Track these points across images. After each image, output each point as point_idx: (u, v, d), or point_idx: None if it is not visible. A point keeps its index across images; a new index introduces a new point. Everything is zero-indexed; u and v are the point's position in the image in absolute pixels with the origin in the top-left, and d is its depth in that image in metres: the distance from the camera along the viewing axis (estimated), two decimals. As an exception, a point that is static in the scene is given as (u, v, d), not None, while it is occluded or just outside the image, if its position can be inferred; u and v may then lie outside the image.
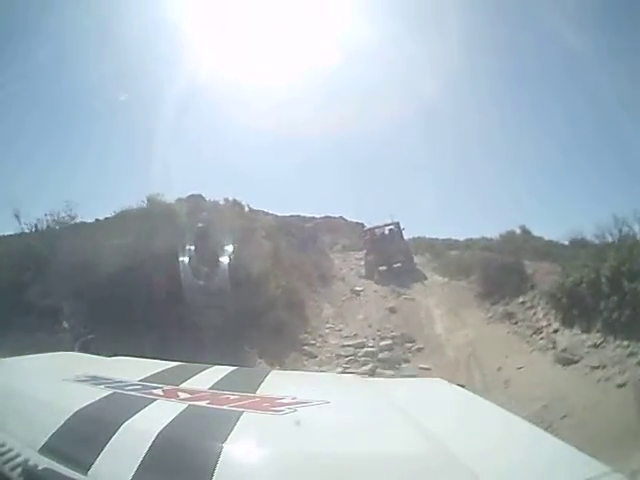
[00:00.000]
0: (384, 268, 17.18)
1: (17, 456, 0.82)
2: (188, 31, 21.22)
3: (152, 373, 1.33)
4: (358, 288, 16.00)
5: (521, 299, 9.62)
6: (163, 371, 1.42)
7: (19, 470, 0.79)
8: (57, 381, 1.23)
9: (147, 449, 0.81)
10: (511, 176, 32.75)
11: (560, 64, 22.12)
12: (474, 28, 19.61)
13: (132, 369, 1.53)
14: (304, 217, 26.76)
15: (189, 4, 19.38)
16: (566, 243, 14.85)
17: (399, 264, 17.24)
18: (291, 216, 23.75)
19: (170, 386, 1.20)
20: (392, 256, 17.24)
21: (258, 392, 1.22)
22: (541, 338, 7.31)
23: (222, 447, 0.81)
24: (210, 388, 1.23)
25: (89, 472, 0.79)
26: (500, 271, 11.07)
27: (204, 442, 0.85)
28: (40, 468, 0.79)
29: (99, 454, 0.82)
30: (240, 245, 7.77)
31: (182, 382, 1.27)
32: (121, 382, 1.19)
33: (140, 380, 1.23)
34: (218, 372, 1.46)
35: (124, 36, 16.50)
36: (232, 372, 1.53)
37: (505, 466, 0.84)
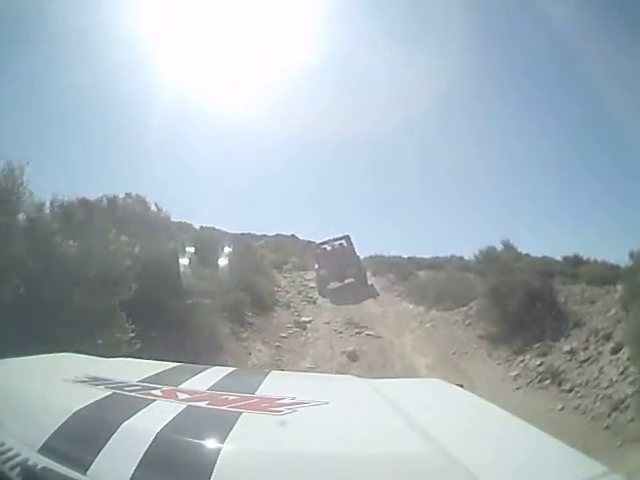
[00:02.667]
0: (337, 285, 16.27)
1: (16, 455, 0.84)
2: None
3: (151, 374, 1.33)
4: (305, 318, 12.01)
5: (566, 345, 5.82)
6: (162, 372, 1.42)
7: (18, 470, 0.80)
8: (56, 381, 1.22)
9: (146, 449, 0.82)
10: (483, 190, 34.01)
11: (549, 70, 22.14)
12: (470, 27, 19.59)
13: (131, 370, 1.54)
14: (255, 235, 25.76)
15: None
16: (558, 259, 12.43)
17: (352, 279, 16.24)
18: (242, 234, 21.58)
19: (169, 387, 1.20)
20: (344, 270, 16.08)
21: (257, 393, 1.23)
22: (631, 420, 3.86)
23: (221, 447, 0.82)
24: (209, 389, 1.23)
25: (88, 472, 0.80)
26: (519, 299, 6.97)
27: (203, 442, 0.85)
28: (39, 467, 0.80)
29: (98, 454, 0.82)
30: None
31: (181, 383, 1.26)
32: (120, 382, 1.19)
33: (139, 381, 1.23)
34: (217, 373, 1.48)
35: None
36: (231, 373, 1.54)
37: (504, 466, 0.85)
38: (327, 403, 1.13)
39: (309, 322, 11.10)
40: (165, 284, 6.26)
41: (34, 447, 0.85)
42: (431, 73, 21.18)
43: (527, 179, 28.98)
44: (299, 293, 15.99)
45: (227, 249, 12.00)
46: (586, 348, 5.46)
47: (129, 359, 2.01)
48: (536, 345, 6.06)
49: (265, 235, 25.87)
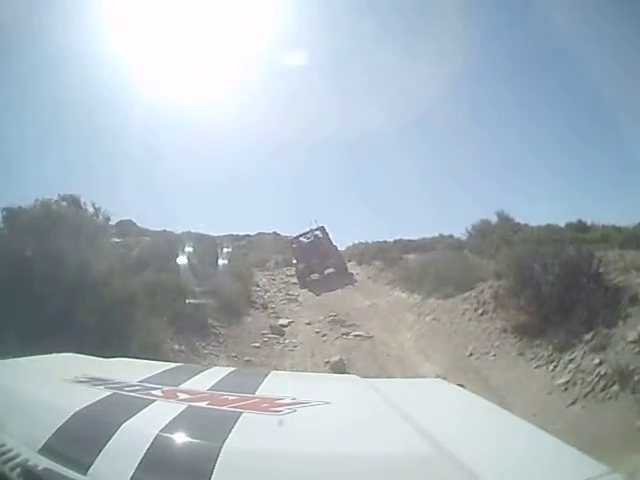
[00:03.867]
0: (316, 277, 15.87)
1: (17, 456, 0.86)
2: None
3: (151, 374, 1.34)
4: (283, 321, 10.12)
5: (630, 331, 4.18)
6: (162, 372, 1.44)
7: (19, 470, 0.82)
8: (57, 382, 1.25)
9: (146, 449, 0.83)
10: (464, 163, 30.80)
11: (543, 54, 21.29)
12: (467, 25, 17.91)
13: (131, 370, 1.58)
14: (237, 235, 24.52)
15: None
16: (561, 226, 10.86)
17: (332, 269, 16.09)
18: (224, 235, 19.40)
19: (169, 387, 1.21)
20: (323, 261, 15.86)
21: (257, 393, 1.25)
22: None
23: (221, 447, 0.83)
24: (209, 389, 1.25)
25: (88, 472, 0.81)
26: (556, 275, 5.12)
27: (203, 443, 0.88)
28: (40, 468, 0.82)
29: (98, 454, 0.84)
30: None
31: (181, 383, 1.27)
32: (120, 383, 1.22)
33: (139, 381, 1.25)
34: (217, 373, 1.50)
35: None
36: (231, 373, 1.57)
37: (505, 466, 0.86)
38: (327, 403, 1.16)
39: (288, 325, 9.87)
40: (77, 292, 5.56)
41: (34, 448, 0.88)
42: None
43: (509, 146, 28.44)
44: (279, 291, 14.99)
45: (188, 248, 10.07)
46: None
47: (129, 359, 2.02)
48: (587, 336, 4.46)
49: (248, 235, 26.47)
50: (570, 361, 4.55)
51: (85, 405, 1.00)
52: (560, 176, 25.39)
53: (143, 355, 5.80)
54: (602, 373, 4.16)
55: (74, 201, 9.07)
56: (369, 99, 23.07)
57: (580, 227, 10.93)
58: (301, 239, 17.22)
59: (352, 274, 15.47)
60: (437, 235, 17.36)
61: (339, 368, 6.39)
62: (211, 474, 0.74)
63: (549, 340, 4.93)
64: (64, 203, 8.49)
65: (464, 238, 13.29)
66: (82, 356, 1.89)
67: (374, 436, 0.96)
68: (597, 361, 4.33)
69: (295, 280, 15.64)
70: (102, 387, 1.17)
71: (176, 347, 6.92)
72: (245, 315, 10.25)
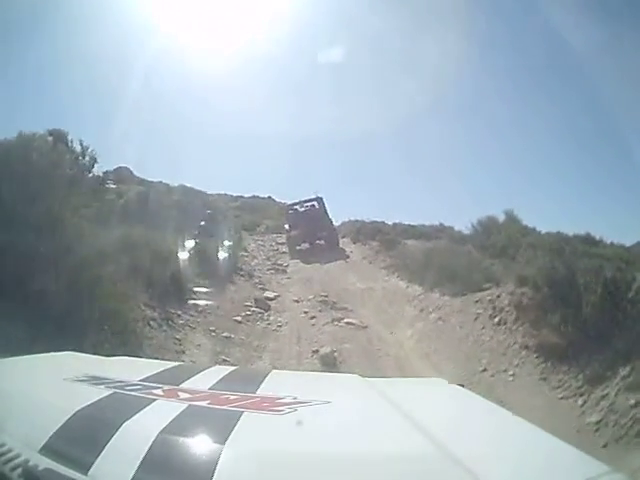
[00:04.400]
0: (307, 245, 16.04)
1: (17, 456, 0.86)
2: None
3: (152, 373, 1.33)
4: (269, 294, 9.35)
5: None
6: (163, 371, 1.43)
7: (19, 470, 0.83)
8: (57, 381, 1.25)
9: (147, 449, 0.83)
10: (474, 157, 31.72)
11: (544, 55, 21.40)
12: (467, 25, 17.86)
13: (132, 369, 1.60)
14: (231, 196, 25.17)
15: None
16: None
17: (322, 241, 16.10)
18: (218, 194, 21.63)
19: (170, 386, 1.22)
20: (316, 232, 15.82)
21: (258, 392, 1.25)
22: None
23: (222, 447, 0.84)
24: (210, 388, 1.25)
25: (89, 472, 0.81)
26: (597, 294, 4.33)
27: (204, 442, 0.89)
28: (40, 468, 0.82)
29: (99, 454, 0.84)
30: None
31: (182, 382, 1.27)
32: (121, 382, 1.21)
33: (140, 380, 1.25)
34: (218, 372, 1.49)
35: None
36: (232, 372, 1.56)
37: (505, 466, 0.86)
38: (329, 403, 1.17)
39: (274, 299, 9.15)
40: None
41: (35, 448, 0.88)
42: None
43: (520, 146, 27.47)
44: (267, 259, 14.32)
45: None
46: None
47: (130, 358, 2.07)
48: (624, 371, 3.75)
49: (241, 197, 25.51)
50: (602, 397, 3.98)
51: (85, 404, 1.01)
52: (565, 184, 25.06)
53: (107, 322, 5.14)
54: (638, 417, 3.62)
55: (61, 137, 8.13)
56: (385, 82, 21.96)
57: (589, 240, 10.40)
58: (297, 207, 17.43)
59: (344, 250, 15.22)
60: (438, 224, 16.94)
61: (328, 360, 5.72)
62: (212, 474, 0.76)
63: (580, 369, 4.28)
64: (50, 138, 7.91)
65: (466, 232, 12.89)
66: (82, 355, 1.93)
67: (375, 435, 0.97)
68: (632, 402, 3.80)
69: (285, 249, 15.61)
70: (102, 386, 1.19)
71: (148, 314, 6.29)
72: (229, 283, 9.74)
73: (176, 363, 1.76)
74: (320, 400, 1.12)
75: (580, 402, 4.10)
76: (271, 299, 9.06)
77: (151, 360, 1.97)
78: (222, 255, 11.29)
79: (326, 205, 16.66)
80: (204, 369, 1.56)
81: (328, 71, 27.19)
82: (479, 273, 7.54)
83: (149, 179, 14.77)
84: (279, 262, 13.77)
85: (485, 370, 5.15)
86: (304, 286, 10.26)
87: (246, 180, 43.66)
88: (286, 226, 16.65)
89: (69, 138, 8.86)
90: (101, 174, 12.67)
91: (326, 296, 8.90)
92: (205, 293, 8.30)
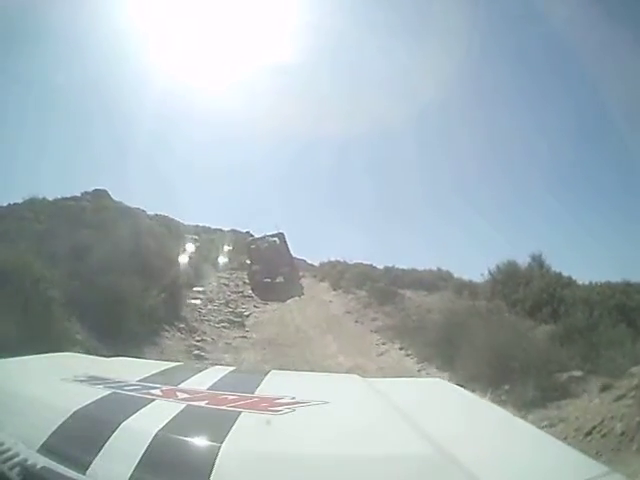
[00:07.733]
0: (268, 280, 15.73)
1: (16, 455, 0.86)
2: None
3: (151, 373, 1.32)
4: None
5: None
6: (162, 371, 1.42)
7: (18, 469, 0.82)
8: (56, 381, 1.23)
9: (145, 449, 0.84)
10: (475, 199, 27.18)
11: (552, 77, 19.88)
12: (466, 25, 16.10)
13: (131, 369, 1.57)
14: (209, 228, 23.25)
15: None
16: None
17: (281, 278, 15.84)
18: (196, 226, 20.38)
19: (169, 386, 1.21)
20: (277, 269, 15.72)
21: (257, 392, 1.25)
22: None
23: (220, 447, 0.84)
24: (209, 388, 1.25)
25: (87, 471, 0.82)
26: None
27: (202, 442, 0.89)
28: (39, 467, 0.83)
29: (97, 453, 0.85)
30: None
31: (181, 382, 1.26)
32: (120, 382, 1.21)
33: (139, 380, 1.24)
34: (217, 372, 1.49)
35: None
36: (231, 372, 1.55)
37: (505, 467, 0.86)
38: (327, 403, 1.18)
39: None
40: None
41: (33, 447, 0.89)
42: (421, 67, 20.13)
43: (524, 186, 26.57)
44: (226, 304, 11.39)
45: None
46: None
47: (128, 358, 2.02)
48: None
49: (220, 230, 25.57)
50: None
51: (84, 404, 1.01)
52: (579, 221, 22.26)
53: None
54: None
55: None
56: (373, 99, 21.01)
57: (630, 289, 7.92)
58: (259, 242, 17.58)
59: (306, 289, 14.45)
60: (435, 269, 14.01)
61: None
62: (210, 473, 0.76)
63: None
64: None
65: (470, 279, 10.35)
66: (81, 355, 1.95)
67: (374, 436, 0.97)
68: None
69: (251, 292, 13.99)
70: (101, 386, 1.20)
71: None
72: (150, 344, 6.64)
73: (175, 363, 1.76)
74: (318, 400, 1.12)
75: None
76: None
77: (150, 360, 1.84)
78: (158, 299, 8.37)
79: (287, 241, 16.70)
80: (203, 369, 1.57)
81: (311, 102, 25.96)
82: (543, 353, 4.36)
83: (126, 203, 13.23)
84: (239, 309, 11.20)
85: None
86: (262, 355, 7.21)
87: (227, 213, 42.00)
88: (247, 261, 16.26)
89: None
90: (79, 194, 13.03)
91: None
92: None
